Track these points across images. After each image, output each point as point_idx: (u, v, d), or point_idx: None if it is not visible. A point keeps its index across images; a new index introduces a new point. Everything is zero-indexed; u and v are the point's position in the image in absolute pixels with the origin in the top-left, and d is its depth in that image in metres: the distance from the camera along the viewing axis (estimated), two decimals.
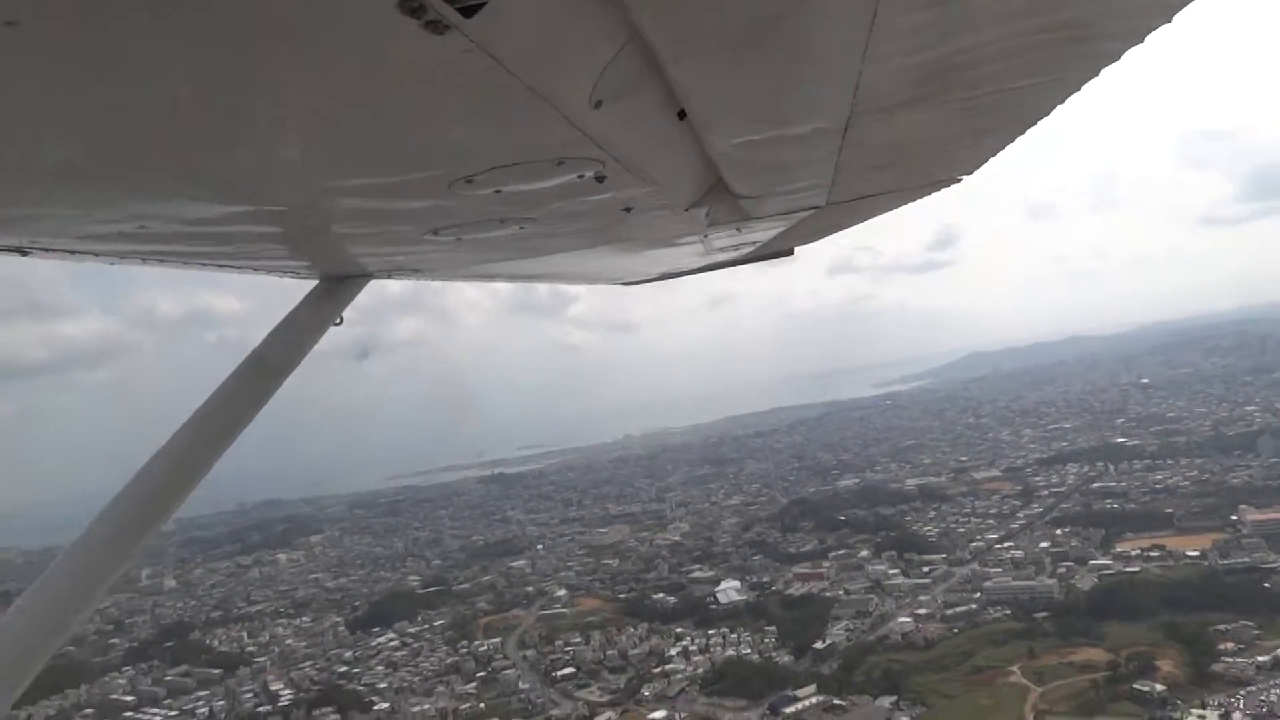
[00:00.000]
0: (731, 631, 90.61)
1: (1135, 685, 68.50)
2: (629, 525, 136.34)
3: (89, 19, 1.57)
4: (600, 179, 3.27)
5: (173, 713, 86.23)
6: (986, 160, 5.31)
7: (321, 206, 3.37)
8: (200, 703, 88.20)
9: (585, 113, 2.56)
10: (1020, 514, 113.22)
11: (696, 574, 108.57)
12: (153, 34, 1.66)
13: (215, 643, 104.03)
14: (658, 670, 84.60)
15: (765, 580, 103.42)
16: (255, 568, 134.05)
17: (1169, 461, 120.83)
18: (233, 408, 4.55)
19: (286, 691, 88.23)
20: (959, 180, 5.94)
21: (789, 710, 72.58)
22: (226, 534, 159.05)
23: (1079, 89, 3.66)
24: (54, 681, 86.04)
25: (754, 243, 7.32)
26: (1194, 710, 64.55)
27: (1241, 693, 66.36)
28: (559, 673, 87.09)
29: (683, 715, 75.35)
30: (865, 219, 7.40)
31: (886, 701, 72.37)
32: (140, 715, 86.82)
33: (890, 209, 6.87)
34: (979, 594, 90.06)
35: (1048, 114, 4.01)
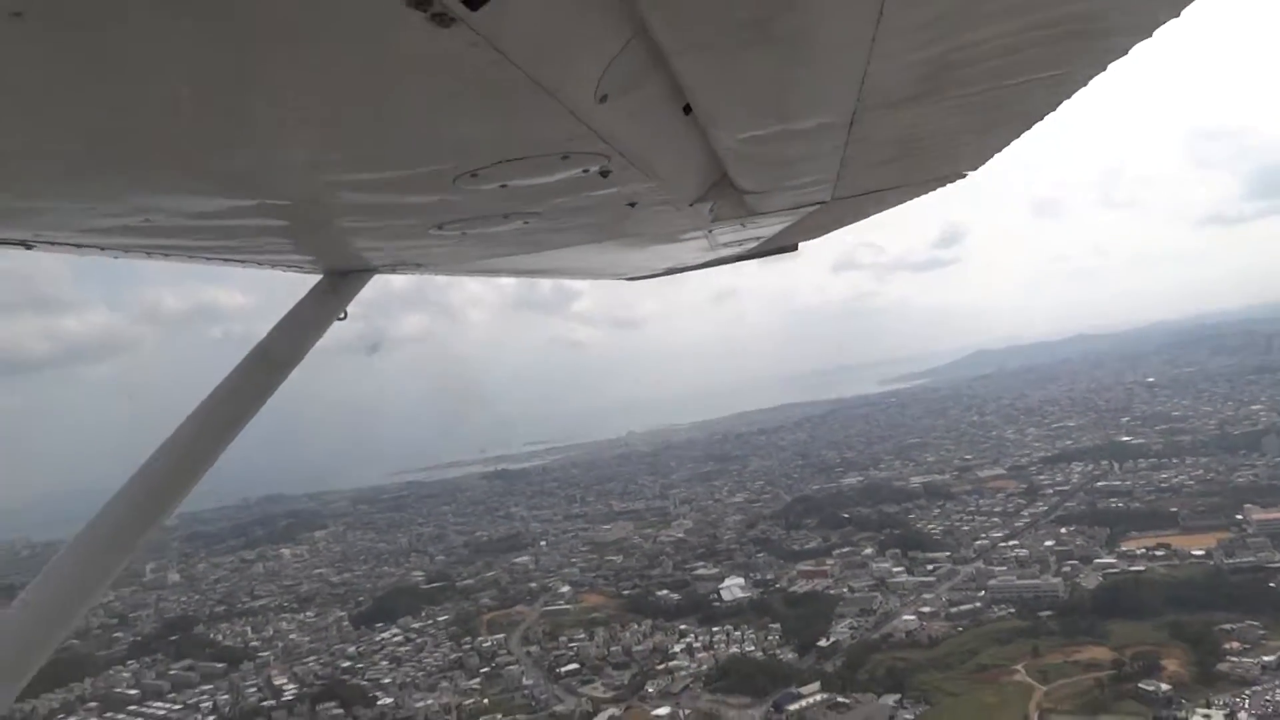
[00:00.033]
0: (735, 628, 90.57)
1: (1140, 684, 68.27)
2: (633, 522, 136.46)
3: (94, 10, 1.56)
4: (605, 174, 3.26)
5: (177, 706, 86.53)
6: (992, 156, 5.30)
7: (326, 201, 3.34)
8: (204, 697, 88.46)
9: (591, 107, 2.55)
10: (1025, 512, 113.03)
11: (700, 571, 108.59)
12: (158, 26, 1.65)
13: (219, 637, 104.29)
14: (661, 667, 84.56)
15: (769, 577, 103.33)
16: (259, 562, 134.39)
17: (1174, 460, 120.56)
18: (236, 403, 4.55)
19: (290, 686, 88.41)
20: (964, 176, 5.93)
21: (793, 707, 72.51)
22: (230, 529, 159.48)
23: (1086, 84, 3.65)
24: (58, 674, 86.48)
25: (758, 238, 7.29)
26: (1199, 710, 64.32)
27: (1247, 692, 66.14)
28: (563, 669, 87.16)
29: (687, 712, 75.31)
30: (870, 214, 7.38)
31: (890, 699, 72.27)
32: (144, 709, 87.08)
33: (895, 204, 6.83)
34: (983, 592, 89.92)
35: (1055, 109, 4.00)
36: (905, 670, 76.40)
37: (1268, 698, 65.15)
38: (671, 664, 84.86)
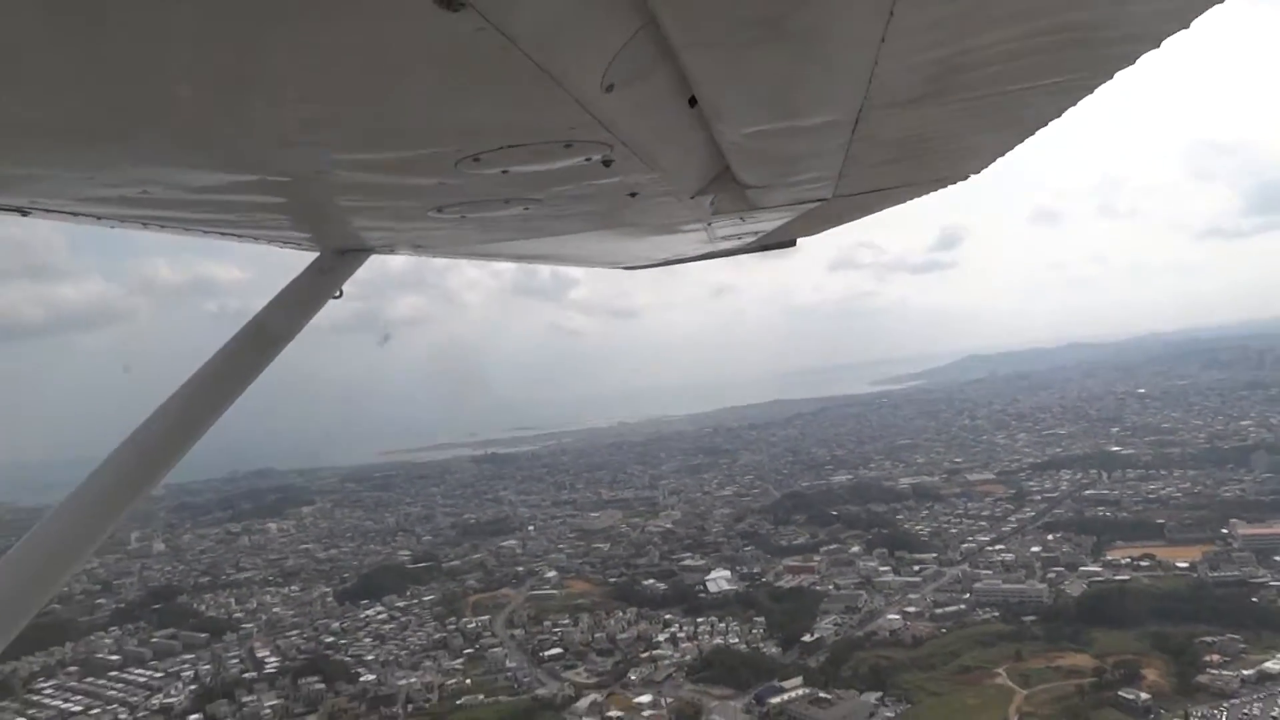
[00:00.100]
0: (720, 620, 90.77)
1: (1120, 693, 68.72)
2: (621, 510, 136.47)
3: None
4: (607, 163, 3.27)
5: (158, 674, 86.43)
6: (994, 159, 5.32)
7: (327, 179, 3.32)
8: (186, 666, 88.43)
9: (596, 96, 2.55)
10: (1012, 517, 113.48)
11: (687, 562, 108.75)
12: None
13: (203, 607, 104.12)
14: (645, 655, 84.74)
15: (756, 571, 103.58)
16: (245, 535, 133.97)
17: (1162, 472, 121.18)
18: (228, 376, 4.59)
19: (273, 659, 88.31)
20: (966, 178, 5.92)
21: (775, 701, 72.76)
22: (217, 500, 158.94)
23: (1092, 92, 3.65)
24: (40, 638, 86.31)
25: (757, 232, 7.31)
26: None
27: (1225, 705, 66.67)
28: (546, 653, 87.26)
29: (669, 700, 75.49)
30: (870, 213, 7.40)
31: (872, 697, 72.61)
32: (125, 675, 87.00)
33: (896, 204, 6.85)
34: (968, 595, 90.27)
35: (1059, 116, 4.00)
36: (888, 669, 76.74)
37: (1246, 711, 65.78)
38: (655, 653, 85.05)
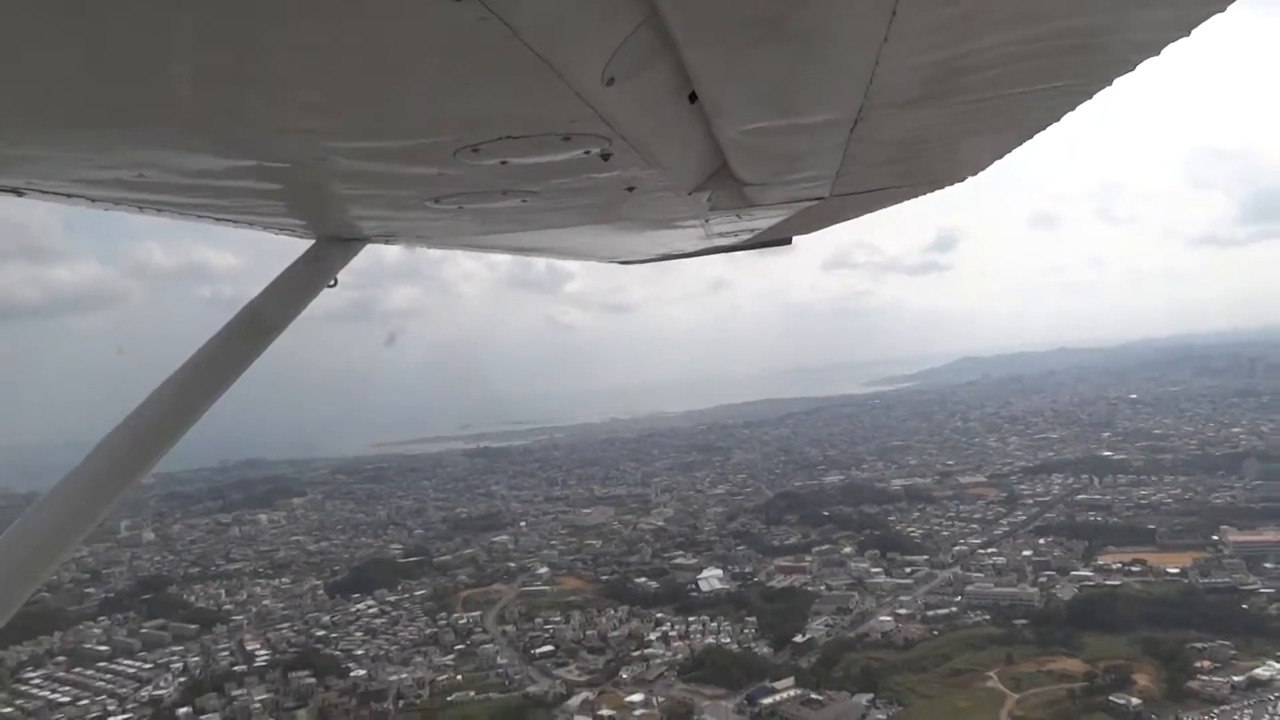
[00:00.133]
0: (712, 619, 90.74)
1: (1111, 697, 68.90)
2: (613, 507, 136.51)
3: None
4: (606, 156, 3.27)
5: (147, 665, 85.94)
6: (993, 162, 5.35)
7: (323, 166, 3.32)
8: (175, 657, 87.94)
9: (597, 89, 2.55)
10: (1004, 520, 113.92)
11: (679, 560, 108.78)
12: None
13: (192, 598, 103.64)
14: (637, 653, 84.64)
15: (747, 571, 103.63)
16: (235, 526, 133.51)
17: (1153, 478, 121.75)
18: (220, 364, 4.58)
19: (263, 652, 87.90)
20: (963, 180, 5.95)
21: (767, 701, 72.70)
22: (207, 490, 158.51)
23: (1091, 97, 3.68)
24: (28, 627, 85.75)
25: (754, 229, 7.31)
26: None
27: (1216, 711, 66.97)
28: (538, 650, 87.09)
29: (660, 700, 75.43)
30: (867, 212, 7.42)
31: (864, 699, 72.61)
32: (114, 665, 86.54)
33: (893, 203, 6.86)
34: (960, 597, 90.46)
35: (1058, 120, 4.03)
36: (879, 670, 76.79)
37: (1236, 717, 66.01)
38: (647, 651, 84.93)
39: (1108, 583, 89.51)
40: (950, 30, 2.64)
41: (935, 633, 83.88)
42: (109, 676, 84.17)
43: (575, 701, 76.04)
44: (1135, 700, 68.30)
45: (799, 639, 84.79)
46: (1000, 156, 5.10)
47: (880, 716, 70.94)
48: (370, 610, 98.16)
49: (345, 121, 2.72)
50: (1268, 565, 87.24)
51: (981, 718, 69.36)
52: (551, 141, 3.01)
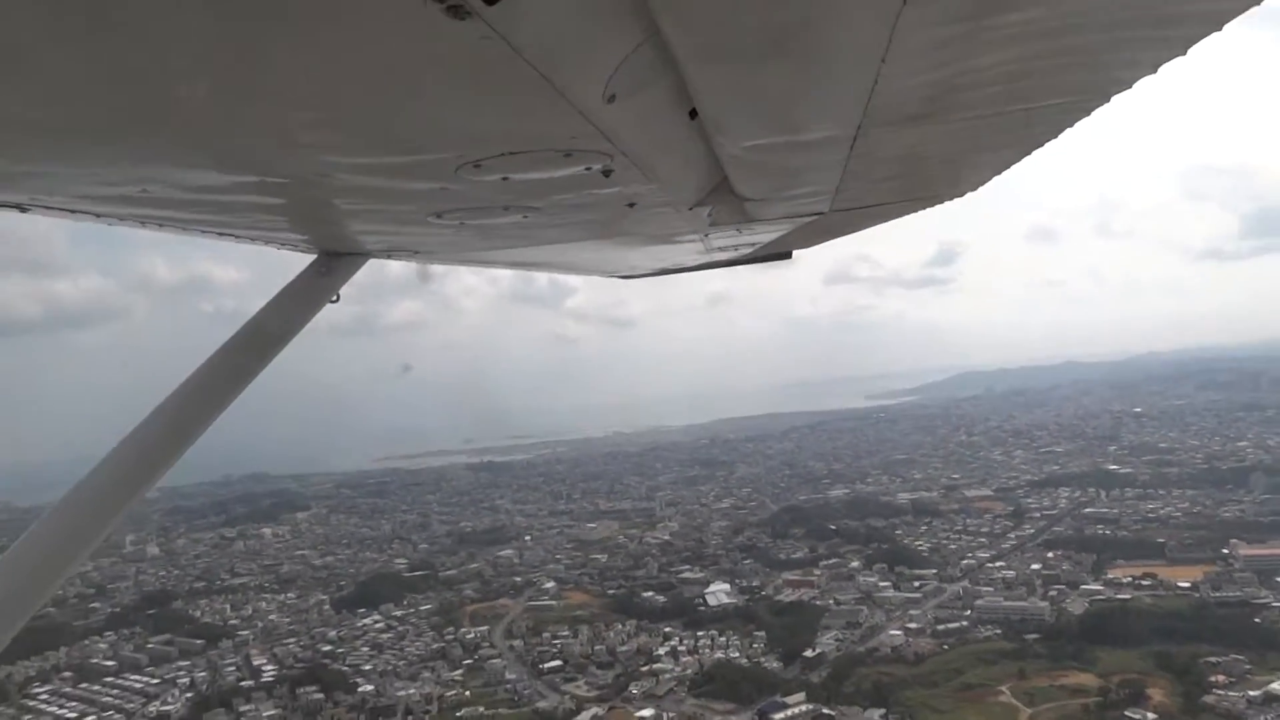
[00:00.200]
0: (720, 634, 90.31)
1: (1126, 712, 68.57)
2: (618, 521, 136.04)
3: None
4: (607, 173, 3.30)
5: (154, 680, 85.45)
6: (992, 177, 5.42)
7: (326, 182, 3.36)
8: (182, 673, 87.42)
9: (598, 106, 2.57)
10: (1011, 534, 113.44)
11: (686, 574, 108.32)
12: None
13: (198, 613, 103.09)
14: (646, 669, 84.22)
15: (755, 585, 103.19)
16: (239, 540, 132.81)
17: (1160, 491, 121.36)
18: (223, 379, 4.62)
19: (270, 667, 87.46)
20: (963, 195, 6.01)
21: (778, 716, 72.29)
22: (211, 505, 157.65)
23: (1089, 114, 3.73)
24: (35, 642, 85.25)
25: (754, 244, 7.41)
26: None
27: None
28: (546, 665, 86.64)
29: (671, 715, 75.01)
30: (867, 227, 7.51)
31: (876, 714, 72.21)
32: (120, 680, 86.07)
33: (893, 219, 6.97)
34: (970, 612, 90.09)
35: (1057, 136, 4.08)
36: (891, 685, 76.35)
37: None
38: (656, 666, 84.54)
39: (1118, 597, 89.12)
40: (949, 49, 2.67)
41: (946, 647, 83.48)
42: (116, 692, 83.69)
43: (585, 717, 75.77)
44: (1151, 715, 68.05)
45: (809, 653, 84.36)
46: (1000, 172, 5.15)
47: None
48: (377, 625, 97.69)
49: (348, 137, 2.74)
50: (1279, 579, 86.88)
51: None
52: (553, 158, 3.05)
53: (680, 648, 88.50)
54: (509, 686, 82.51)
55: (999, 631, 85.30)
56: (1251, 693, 68.99)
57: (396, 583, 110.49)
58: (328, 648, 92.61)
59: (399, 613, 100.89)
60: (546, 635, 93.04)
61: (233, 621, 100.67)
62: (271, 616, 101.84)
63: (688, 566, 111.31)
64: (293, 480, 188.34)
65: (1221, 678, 71.53)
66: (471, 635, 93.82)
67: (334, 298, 5.09)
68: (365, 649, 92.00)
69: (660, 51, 2.38)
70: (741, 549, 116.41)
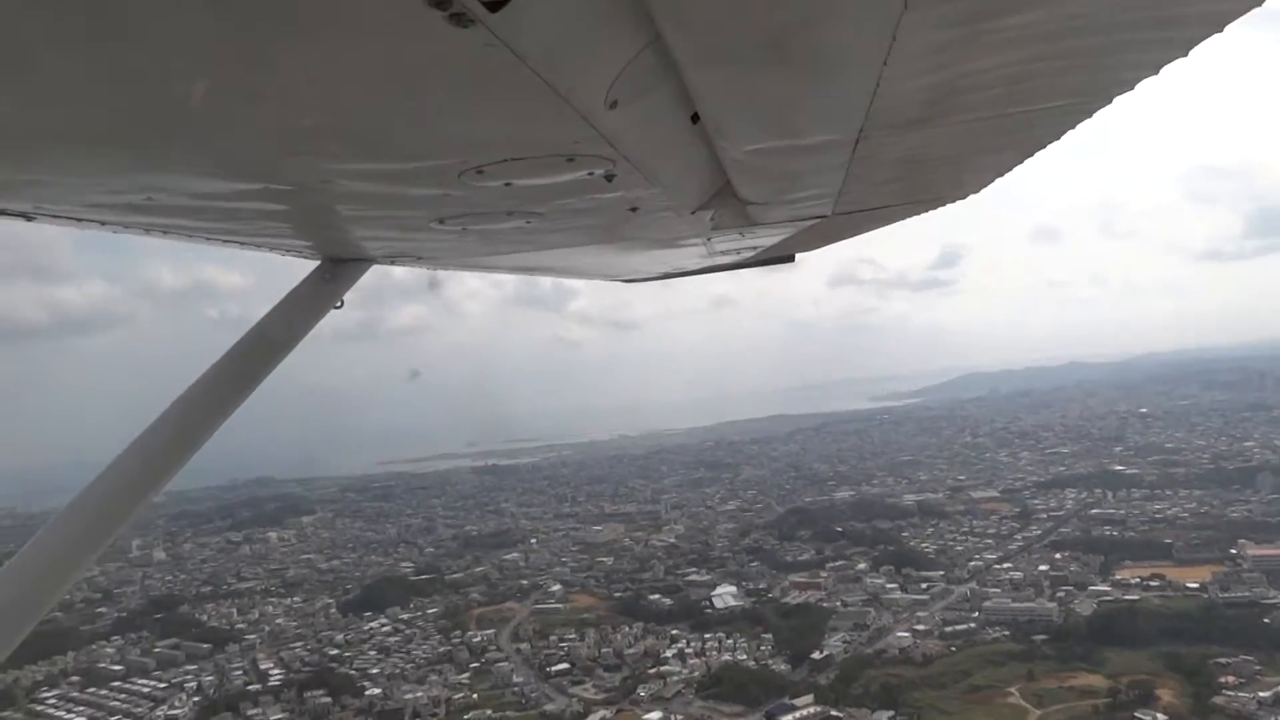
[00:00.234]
0: (728, 636, 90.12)
1: (1136, 713, 68.28)
2: (624, 524, 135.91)
3: None
4: (610, 177, 3.32)
5: (161, 685, 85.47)
6: (994, 180, 5.44)
7: (330, 189, 3.38)
8: (189, 677, 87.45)
9: (600, 112, 2.59)
10: (1018, 535, 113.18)
11: (692, 577, 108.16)
12: (170, 4, 1.65)
13: (205, 617, 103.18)
14: (653, 671, 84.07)
15: (762, 587, 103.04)
16: (245, 545, 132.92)
17: (1168, 492, 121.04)
18: (228, 384, 4.65)
19: (277, 671, 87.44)
20: (965, 197, 6.02)
21: (786, 718, 72.14)
22: (217, 509, 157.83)
23: (1090, 116, 3.73)
24: (43, 646, 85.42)
25: (756, 247, 7.42)
26: None
27: None
28: (553, 668, 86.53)
29: (678, 718, 74.90)
30: (869, 230, 7.53)
31: (884, 716, 71.93)
32: (128, 685, 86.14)
33: (895, 221, 6.98)
34: (978, 613, 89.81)
35: (1059, 138, 4.09)
36: (899, 687, 76.10)
37: None
38: (663, 669, 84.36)
39: (1126, 597, 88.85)
40: (951, 52, 2.67)
41: (954, 649, 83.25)
42: (123, 696, 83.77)
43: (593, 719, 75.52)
44: (1161, 716, 67.72)
45: (816, 655, 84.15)
46: (1002, 174, 5.16)
47: None
48: (384, 628, 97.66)
49: (352, 144, 2.75)
50: None
51: None
52: (556, 163, 3.06)
53: (687, 650, 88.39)
54: (516, 689, 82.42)
55: (1007, 633, 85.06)
56: (1261, 693, 68.66)
57: (402, 586, 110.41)
58: (334, 651, 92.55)
59: (405, 616, 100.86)
60: (553, 638, 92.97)
61: (239, 625, 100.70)
62: (278, 620, 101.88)
63: (694, 569, 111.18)
64: (298, 484, 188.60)
65: (1231, 678, 71.24)
66: (478, 638, 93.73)
67: (338, 304, 5.13)
68: (372, 652, 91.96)
69: (662, 57, 2.40)
70: (748, 551, 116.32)
